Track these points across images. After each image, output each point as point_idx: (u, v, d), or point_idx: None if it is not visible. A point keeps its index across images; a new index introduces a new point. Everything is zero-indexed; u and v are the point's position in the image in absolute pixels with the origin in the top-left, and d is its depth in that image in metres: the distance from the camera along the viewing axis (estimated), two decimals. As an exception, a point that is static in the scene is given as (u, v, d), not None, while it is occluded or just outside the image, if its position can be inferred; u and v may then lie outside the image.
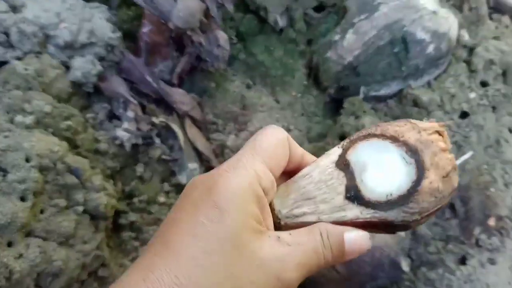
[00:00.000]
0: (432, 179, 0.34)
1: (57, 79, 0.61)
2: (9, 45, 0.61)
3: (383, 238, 0.56)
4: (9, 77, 0.55)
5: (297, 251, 0.33)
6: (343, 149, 0.37)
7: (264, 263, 0.32)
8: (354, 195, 0.35)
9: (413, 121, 0.37)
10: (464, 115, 0.79)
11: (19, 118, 0.52)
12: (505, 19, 0.94)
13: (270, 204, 0.36)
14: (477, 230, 0.69)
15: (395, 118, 0.79)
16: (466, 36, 0.85)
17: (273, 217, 0.36)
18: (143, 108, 0.69)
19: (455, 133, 0.77)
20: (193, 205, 0.33)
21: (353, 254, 0.35)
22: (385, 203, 0.35)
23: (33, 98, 0.55)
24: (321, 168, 0.38)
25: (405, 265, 0.57)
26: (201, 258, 0.30)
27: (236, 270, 0.31)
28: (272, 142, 0.35)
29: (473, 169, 0.73)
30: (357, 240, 0.35)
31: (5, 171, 0.47)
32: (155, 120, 0.66)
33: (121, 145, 0.64)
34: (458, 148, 0.76)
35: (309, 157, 0.39)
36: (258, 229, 0.33)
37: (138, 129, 0.64)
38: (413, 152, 0.35)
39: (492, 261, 0.66)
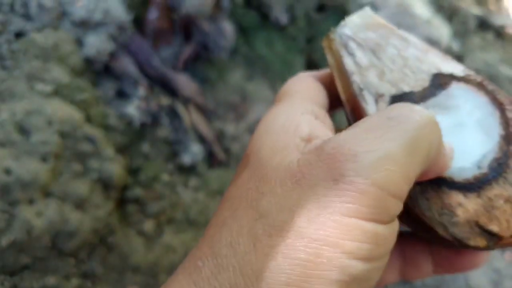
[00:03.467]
0: None
1: (72, 54, 0.62)
2: (28, 17, 0.62)
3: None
4: (29, 47, 0.57)
5: None
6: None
7: None
8: None
9: None
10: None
11: (39, 86, 0.53)
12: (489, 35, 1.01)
13: None
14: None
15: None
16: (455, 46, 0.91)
17: None
18: (151, 89, 0.71)
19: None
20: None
21: None
22: None
23: (51, 69, 0.57)
24: None
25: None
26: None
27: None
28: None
29: None
30: None
31: (28, 133, 0.48)
32: (163, 101, 0.68)
33: (130, 123, 0.66)
34: None
35: None
36: None
37: (148, 108, 0.67)
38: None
39: None
